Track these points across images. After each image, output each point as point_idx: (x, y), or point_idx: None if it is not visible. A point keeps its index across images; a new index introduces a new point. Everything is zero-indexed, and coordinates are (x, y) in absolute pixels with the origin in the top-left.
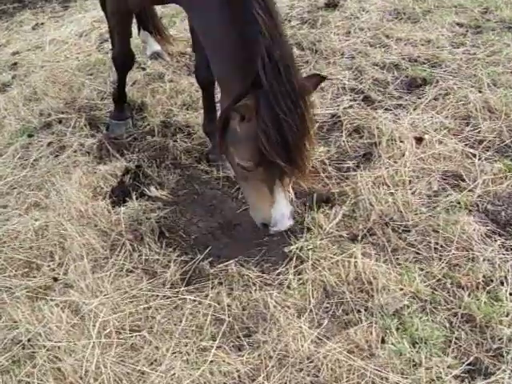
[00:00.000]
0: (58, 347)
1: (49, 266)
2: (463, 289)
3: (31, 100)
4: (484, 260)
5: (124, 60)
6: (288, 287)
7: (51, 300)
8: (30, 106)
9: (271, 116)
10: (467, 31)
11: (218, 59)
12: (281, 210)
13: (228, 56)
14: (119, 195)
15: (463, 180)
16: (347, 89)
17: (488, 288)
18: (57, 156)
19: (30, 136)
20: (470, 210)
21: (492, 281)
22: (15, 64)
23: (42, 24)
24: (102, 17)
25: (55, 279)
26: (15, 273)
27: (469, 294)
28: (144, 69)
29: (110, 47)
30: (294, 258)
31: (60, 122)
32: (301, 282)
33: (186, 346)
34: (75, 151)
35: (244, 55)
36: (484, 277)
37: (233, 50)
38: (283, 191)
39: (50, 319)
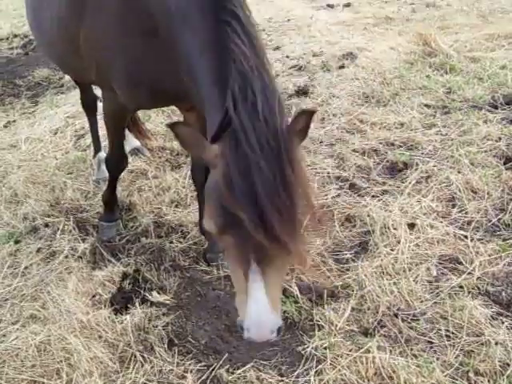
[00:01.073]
0: None
1: None
2: (482, 375)
3: (12, 202)
4: (497, 344)
5: (118, 162)
6: None
7: None
8: (12, 209)
9: (237, 157)
10: (436, 112)
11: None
12: (255, 313)
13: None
14: (121, 302)
15: (460, 263)
16: (332, 177)
17: (507, 373)
18: (48, 262)
19: (16, 242)
20: (473, 294)
21: (509, 365)
22: None
23: (14, 121)
24: (76, 112)
25: None
26: None
27: (488, 381)
28: None
29: (88, 144)
30: (311, 358)
31: (47, 225)
32: (322, 383)
33: None
34: (67, 256)
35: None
36: (500, 361)
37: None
38: (261, 282)
39: None
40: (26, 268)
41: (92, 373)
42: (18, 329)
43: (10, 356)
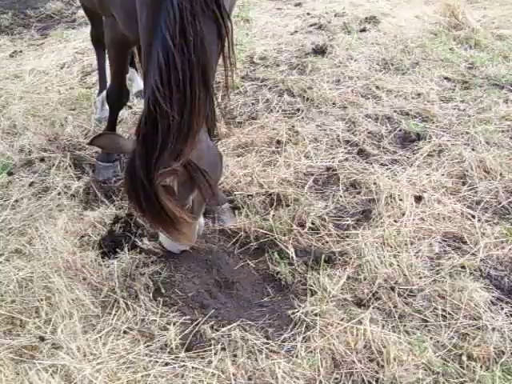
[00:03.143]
0: None
1: (34, 323)
2: (475, 361)
3: (10, 134)
4: (494, 330)
5: (118, 95)
6: (296, 356)
7: (39, 363)
8: (9, 140)
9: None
10: (455, 86)
11: None
12: (164, 242)
13: None
14: (109, 246)
15: (464, 242)
16: (341, 140)
17: (501, 361)
18: (40, 198)
19: (9, 174)
20: (474, 275)
21: (503, 353)
22: None
23: (21, 52)
24: (85, 48)
25: (42, 339)
26: None
27: (481, 367)
28: (130, 107)
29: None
30: (300, 324)
31: (42, 160)
32: (309, 350)
33: None
34: (59, 193)
35: None
36: (495, 348)
37: None
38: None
39: None
40: (16, 201)
41: (72, 315)
42: (1, 262)
43: None
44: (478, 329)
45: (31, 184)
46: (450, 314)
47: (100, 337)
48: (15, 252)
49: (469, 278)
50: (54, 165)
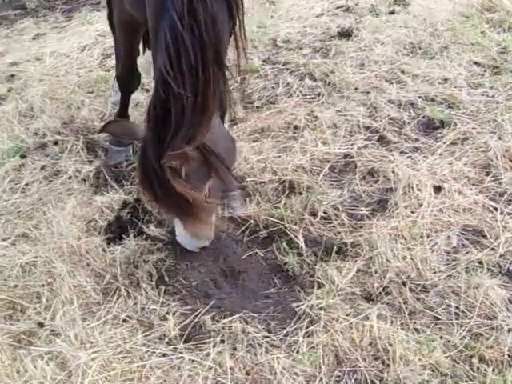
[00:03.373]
0: None
1: (35, 308)
2: (487, 363)
3: (27, 116)
4: (509, 331)
5: (128, 79)
6: (297, 351)
7: (35, 350)
8: (25, 123)
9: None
10: (485, 71)
11: None
12: (179, 238)
13: None
14: (116, 232)
15: (484, 236)
16: (361, 127)
17: None
18: (50, 181)
19: (22, 157)
20: (492, 272)
21: None
22: (12, 76)
23: (44, 34)
24: (107, 31)
25: (41, 325)
26: None
27: (493, 370)
28: (148, 90)
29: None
30: (304, 318)
31: (56, 143)
32: (311, 345)
33: None
34: (70, 177)
35: None
36: (510, 351)
37: None
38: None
39: (33, 373)
40: (26, 184)
41: (72, 301)
42: (6, 246)
43: None
44: (492, 329)
45: (43, 167)
46: (463, 312)
47: (98, 325)
48: (22, 236)
49: (486, 275)
50: (66, 148)
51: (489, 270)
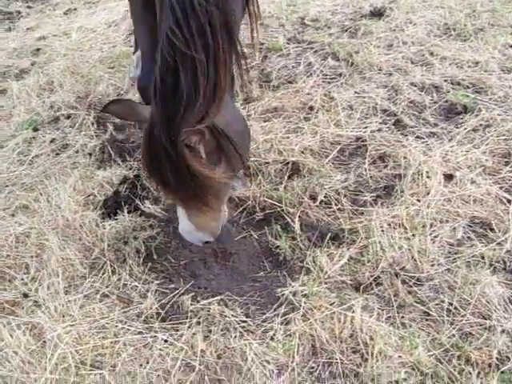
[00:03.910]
0: (11, 377)
1: (22, 279)
2: (473, 366)
3: (46, 90)
4: (503, 332)
5: None
6: (272, 338)
7: (14, 319)
8: (43, 96)
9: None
10: None
11: None
12: (181, 231)
13: None
14: (112, 207)
15: (492, 230)
16: (378, 109)
17: (503, 368)
18: (57, 155)
19: (35, 130)
20: (495, 267)
21: (509, 359)
22: (38, 50)
23: (75, 9)
24: None
25: (25, 295)
26: None
27: (478, 373)
28: None
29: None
30: (286, 304)
31: (69, 117)
32: (287, 333)
33: None
34: (77, 151)
35: None
36: (500, 353)
37: None
38: (183, 210)
39: (8, 342)
40: (34, 157)
41: (58, 274)
42: (4, 216)
43: None
44: (485, 329)
45: (52, 140)
46: (456, 308)
47: (79, 298)
48: (22, 207)
49: (487, 270)
50: (77, 122)
51: (491, 265)
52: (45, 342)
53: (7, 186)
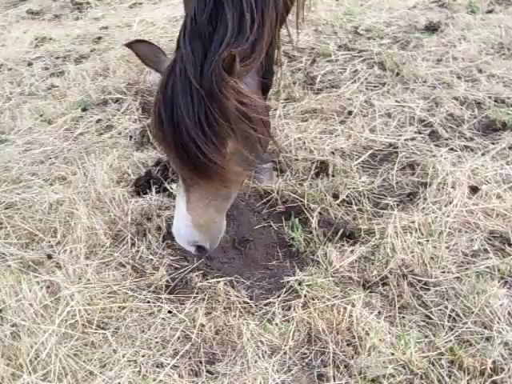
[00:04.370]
0: (23, 325)
1: (49, 241)
2: (464, 372)
3: (100, 75)
4: (500, 343)
5: None
6: (269, 321)
7: (36, 276)
8: (97, 81)
9: (164, 81)
10: None
11: None
12: (175, 221)
13: None
14: (143, 186)
15: (510, 245)
16: (416, 119)
17: (494, 378)
18: (100, 134)
19: (83, 110)
20: (506, 281)
21: (502, 370)
22: (99, 38)
23: (140, 4)
24: None
25: (49, 256)
26: (16, 242)
27: (469, 380)
28: None
29: None
30: (290, 292)
31: (117, 101)
32: (286, 318)
33: (143, 356)
34: (119, 133)
35: None
36: (494, 363)
37: None
38: (183, 197)
39: (26, 296)
40: (79, 134)
41: (82, 240)
42: (43, 185)
43: (27, 206)
44: (483, 338)
45: (98, 121)
46: (458, 315)
47: (98, 264)
48: (60, 178)
49: (496, 282)
50: (124, 107)
51: (502, 278)
52: (58, 299)
53: (50, 157)
